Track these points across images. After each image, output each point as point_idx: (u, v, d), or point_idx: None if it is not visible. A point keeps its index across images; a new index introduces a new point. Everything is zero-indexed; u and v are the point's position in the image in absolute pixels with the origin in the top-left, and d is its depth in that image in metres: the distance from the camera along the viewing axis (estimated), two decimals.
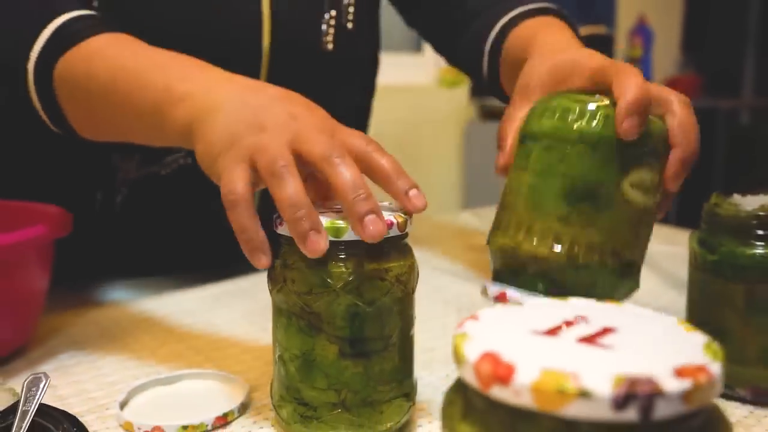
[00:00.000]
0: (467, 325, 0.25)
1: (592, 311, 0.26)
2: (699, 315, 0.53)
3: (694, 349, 0.23)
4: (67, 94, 0.57)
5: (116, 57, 0.54)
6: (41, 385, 0.39)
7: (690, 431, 0.21)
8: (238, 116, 0.44)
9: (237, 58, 0.70)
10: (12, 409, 0.38)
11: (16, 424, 0.37)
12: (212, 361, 0.58)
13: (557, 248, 0.45)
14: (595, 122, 0.45)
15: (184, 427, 0.46)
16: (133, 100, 0.51)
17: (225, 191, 0.41)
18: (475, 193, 2.58)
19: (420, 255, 0.91)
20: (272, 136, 0.42)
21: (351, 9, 0.76)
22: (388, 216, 0.40)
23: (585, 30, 2.71)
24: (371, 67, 0.88)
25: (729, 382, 0.51)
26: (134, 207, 0.75)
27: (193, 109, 0.46)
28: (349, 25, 0.76)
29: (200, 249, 0.80)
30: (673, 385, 0.20)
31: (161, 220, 0.77)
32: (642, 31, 3.03)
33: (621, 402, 0.20)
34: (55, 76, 0.56)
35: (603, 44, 2.92)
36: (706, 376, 0.21)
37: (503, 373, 0.21)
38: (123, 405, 0.49)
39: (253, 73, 0.72)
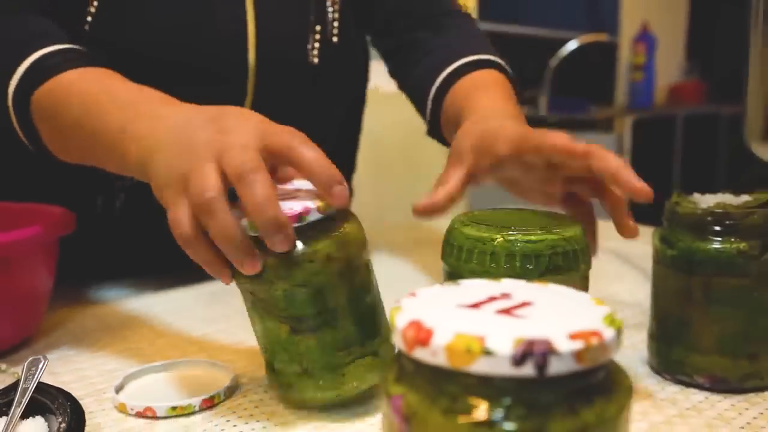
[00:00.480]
0: (404, 301, 0.28)
1: (519, 289, 0.30)
2: (661, 307, 0.56)
3: (595, 318, 0.26)
4: (41, 122, 0.60)
5: (82, 93, 0.56)
6: (40, 366, 0.43)
7: (585, 387, 0.25)
8: (173, 152, 0.46)
9: (224, 74, 0.74)
10: (13, 387, 0.41)
11: (16, 399, 0.40)
12: (205, 351, 0.62)
13: None
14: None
15: (173, 408, 0.49)
16: (97, 137, 0.54)
17: (172, 230, 0.45)
18: (476, 198, 2.61)
19: (422, 259, 0.94)
20: (200, 162, 0.44)
21: (336, 23, 0.79)
22: (306, 203, 0.44)
23: (587, 38, 2.73)
24: (359, 79, 0.91)
25: (688, 370, 0.54)
26: (133, 211, 0.79)
27: (141, 150, 0.49)
28: (335, 39, 0.79)
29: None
30: (565, 345, 0.24)
31: (159, 223, 0.81)
32: (645, 38, 3.06)
33: (519, 359, 0.23)
34: (32, 105, 0.60)
35: (605, 52, 2.95)
36: (597, 339, 0.24)
37: (423, 337, 0.25)
38: (119, 389, 0.53)
39: (240, 88, 0.75)
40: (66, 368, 0.58)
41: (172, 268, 0.85)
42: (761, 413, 0.49)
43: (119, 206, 0.78)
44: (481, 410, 0.24)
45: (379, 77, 0.93)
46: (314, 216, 0.43)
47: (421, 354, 0.25)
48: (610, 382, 0.26)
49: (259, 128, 0.46)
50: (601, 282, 0.84)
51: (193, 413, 0.50)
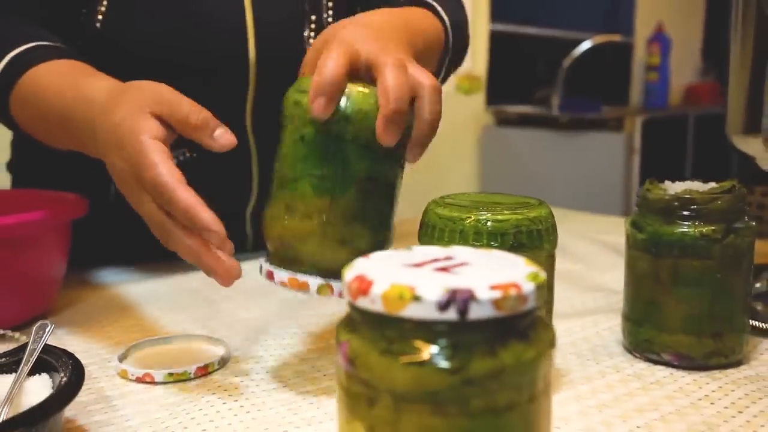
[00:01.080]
0: (357, 261, 0.32)
1: (462, 253, 0.33)
2: (632, 289, 0.59)
3: (520, 275, 0.29)
4: (18, 111, 0.68)
5: (49, 88, 0.63)
6: (47, 329, 0.47)
7: (505, 332, 0.28)
8: (116, 156, 0.53)
9: (226, 69, 0.78)
10: (23, 348, 0.46)
11: (25, 358, 0.45)
12: (207, 328, 0.66)
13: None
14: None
15: (170, 374, 0.54)
16: (65, 128, 0.61)
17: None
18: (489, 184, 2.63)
19: None
20: (144, 154, 0.50)
21: (330, 12, 0.82)
22: None
23: (601, 38, 2.75)
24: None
25: (656, 348, 0.57)
26: None
27: (97, 146, 0.56)
28: (330, 20, 0.81)
29: None
30: (485, 294, 0.27)
31: None
32: (660, 39, 3.06)
33: (444, 305, 0.27)
34: (11, 98, 0.67)
35: (619, 52, 2.96)
36: (516, 290, 0.28)
37: (365, 287, 0.28)
38: (122, 358, 0.57)
39: (242, 81, 0.79)
40: (75, 341, 0.63)
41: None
42: (720, 387, 0.52)
43: None
44: (414, 351, 0.28)
45: None
46: None
47: (362, 302, 0.28)
48: (532, 331, 0.29)
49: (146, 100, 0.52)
50: (595, 271, 0.87)
51: (188, 380, 0.54)
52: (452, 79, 2.74)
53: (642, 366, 0.57)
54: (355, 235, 0.48)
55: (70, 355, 0.44)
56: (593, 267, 0.89)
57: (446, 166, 2.62)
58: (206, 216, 0.47)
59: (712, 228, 0.54)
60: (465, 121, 2.72)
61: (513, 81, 2.78)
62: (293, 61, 0.83)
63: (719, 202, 0.55)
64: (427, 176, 2.08)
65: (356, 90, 0.47)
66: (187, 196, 0.48)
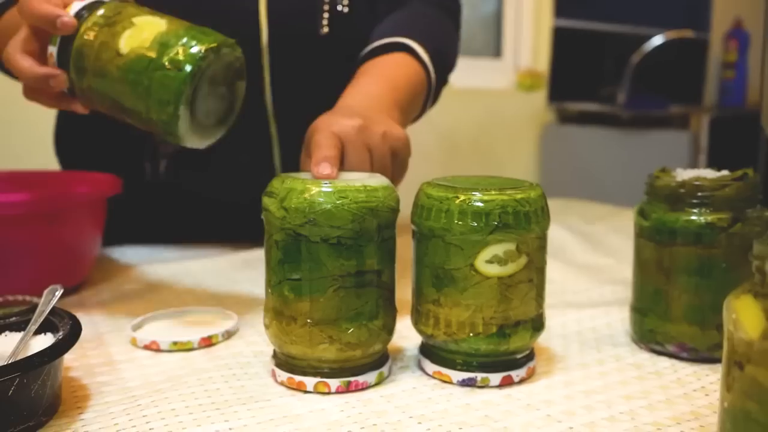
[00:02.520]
0: None
1: None
2: (639, 278, 0.58)
3: None
4: None
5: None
6: (56, 293, 0.51)
7: None
8: None
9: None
10: (33, 309, 0.49)
11: (33, 318, 0.48)
12: (222, 304, 0.68)
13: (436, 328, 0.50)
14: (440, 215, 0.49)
15: (175, 343, 0.56)
16: None
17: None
18: (552, 194, 2.58)
19: None
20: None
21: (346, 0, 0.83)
22: None
23: (672, 34, 2.65)
24: None
25: (659, 338, 0.55)
26: (176, 176, 0.86)
27: None
28: (345, 10, 0.82)
29: (236, 219, 0.90)
30: None
31: (198, 189, 0.88)
32: (738, 35, 2.92)
33: None
34: None
35: (693, 48, 2.85)
36: None
37: None
38: (136, 327, 0.60)
39: (255, 65, 0.80)
40: (100, 311, 0.67)
41: (213, 236, 0.93)
42: (719, 379, 0.50)
43: (163, 171, 0.86)
44: None
45: (452, 73, 0.93)
46: None
47: None
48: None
49: None
50: (625, 265, 0.85)
51: (192, 349, 0.57)
52: (512, 76, 2.71)
53: (645, 356, 0.56)
54: (342, 331, 0.48)
55: (72, 317, 0.48)
56: (623, 261, 0.87)
57: (505, 164, 2.59)
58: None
59: (719, 216, 0.53)
60: (525, 118, 2.68)
61: (577, 78, 2.72)
62: (307, 46, 0.85)
63: (727, 190, 0.53)
64: (486, 173, 2.06)
65: (317, 189, 0.47)
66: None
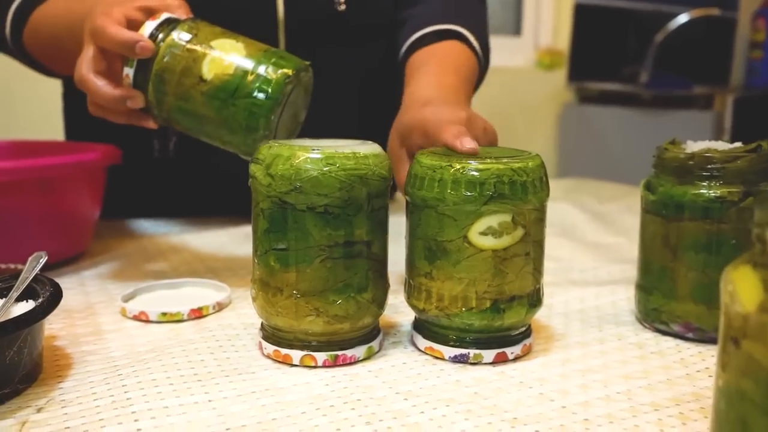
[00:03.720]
0: None
1: None
2: (645, 254, 0.55)
3: None
4: (35, 48, 0.74)
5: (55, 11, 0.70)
6: (40, 260, 0.49)
7: None
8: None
9: (254, 28, 0.78)
10: (17, 276, 0.48)
11: (16, 285, 0.47)
12: (218, 277, 0.67)
13: (429, 303, 0.48)
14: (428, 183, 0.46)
15: (164, 314, 0.55)
16: (72, 34, 0.65)
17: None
18: (569, 176, 2.54)
19: None
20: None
21: None
22: None
23: (697, 12, 2.58)
24: (387, 27, 0.91)
25: (664, 317, 0.53)
26: (185, 153, 0.86)
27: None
28: None
29: (239, 196, 0.89)
30: None
31: (207, 165, 0.88)
32: (766, 14, 2.83)
33: None
34: (25, 35, 0.73)
35: (719, 27, 2.77)
36: None
37: None
38: (127, 298, 0.59)
39: (271, 35, 0.79)
40: (95, 281, 0.66)
41: (217, 212, 0.91)
42: None
43: (173, 148, 0.86)
44: None
45: None
46: None
47: None
48: None
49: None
50: (636, 243, 0.81)
51: (181, 321, 0.55)
52: (532, 55, 2.66)
53: (648, 336, 0.53)
54: (329, 303, 0.46)
55: (54, 284, 0.46)
56: (636, 241, 0.84)
57: (522, 144, 2.50)
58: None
59: (729, 189, 0.50)
60: (544, 97, 2.63)
61: (598, 56, 2.65)
62: (323, 23, 0.83)
63: (739, 162, 0.50)
64: None
65: (304, 156, 0.45)
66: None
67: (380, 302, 0.49)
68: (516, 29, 2.65)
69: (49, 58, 0.75)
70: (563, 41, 2.62)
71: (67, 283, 0.64)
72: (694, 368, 0.47)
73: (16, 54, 0.77)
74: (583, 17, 2.55)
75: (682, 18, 2.56)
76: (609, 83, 2.55)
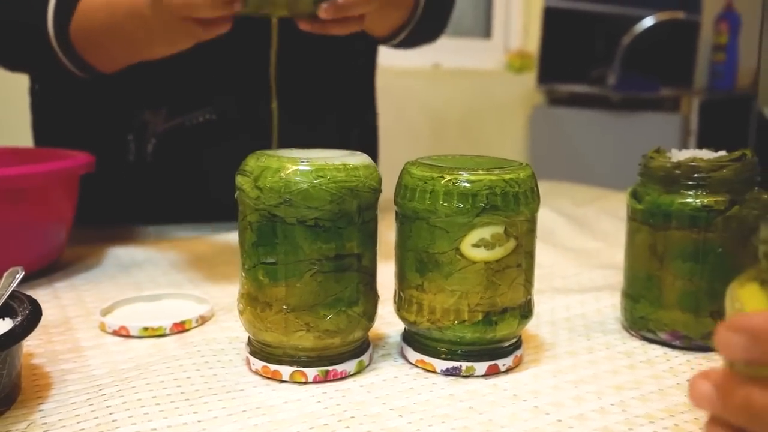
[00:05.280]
0: None
1: None
2: (631, 263, 0.56)
3: None
4: (83, 41, 0.72)
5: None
6: (16, 276, 0.48)
7: None
8: None
9: (248, 25, 0.78)
10: None
11: None
12: (199, 289, 0.65)
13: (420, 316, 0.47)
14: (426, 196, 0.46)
15: (145, 329, 0.53)
16: (132, 19, 0.67)
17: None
18: (540, 177, 2.56)
19: None
20: None
21: None
22: None
23: (663, 15, 2.62)
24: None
25: (651, 326, 0.53)
26: (163, 156, 0.84)
27: None
28: None
29: (222, 201, 0.88)
30: None
31: (188, 170, 0.86)
32: (729, 17, 2.90)
33: None
34: (71, 28, 0.71)
35: (684, 30, 2.82)
36: None
37: None
38: (105, 312, 0.57)
39: (264, 37, 0.79)
40: (69, 294, 0.64)
41: (196, 218, 0.90)
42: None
43: (151, 151, 0.84)
44: None
45: (441, 54, 0.96)
46: None
47: None
48: None
49: None
50: (615, 249, 0.83)
51: (164, 335, 0.54)
52: (502, 57, 2.68)
53: (636, 344, 0.54)
54: (320, 318, 0.45)
55: (32, 301, 0.45)
56: (614, 245, 0.85)
57: (493, 146, 2.56)
58: None
59: (715, 198, 0.50)
60: (515, 100, 2.65)
61: (567, 59, 2.69)
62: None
63: (725, 171, 0.51)
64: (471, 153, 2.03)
65: (293, 168, 0.44)
66: None
67: (370, 315, 0.48)
68: (486, 32, 2.66)
69: (100, 48, 0.74)
70: (533, 44, 2.64)
71: (41, 295, 0.62)
72: (684, 377, 0.48)
73: (46, 54, 0.74)
74: (552, 20, 2.58)
75: (648, 21, 2.60)
76: (578, 85, 2.58)
